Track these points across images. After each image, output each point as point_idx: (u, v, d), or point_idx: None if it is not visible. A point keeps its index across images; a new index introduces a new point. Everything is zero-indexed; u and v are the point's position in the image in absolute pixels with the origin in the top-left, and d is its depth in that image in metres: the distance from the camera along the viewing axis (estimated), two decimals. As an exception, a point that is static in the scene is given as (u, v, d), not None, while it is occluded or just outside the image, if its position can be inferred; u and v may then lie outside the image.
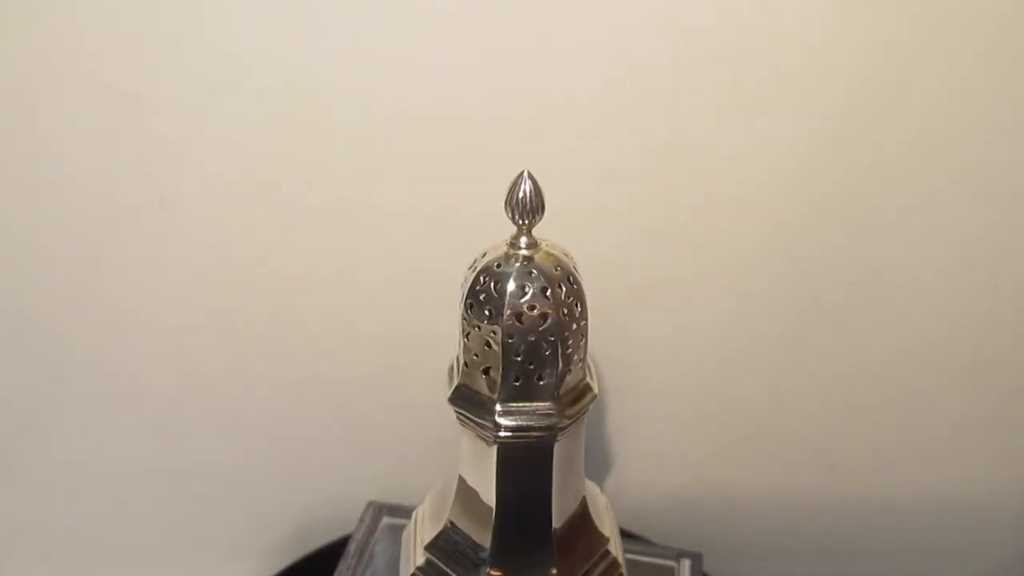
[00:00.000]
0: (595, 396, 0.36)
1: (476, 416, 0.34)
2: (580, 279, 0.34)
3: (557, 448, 0.35)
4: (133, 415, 0.58)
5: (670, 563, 0.50)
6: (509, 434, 0.34)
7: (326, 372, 0.56)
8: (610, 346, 0.52)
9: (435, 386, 0.38)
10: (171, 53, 0.47)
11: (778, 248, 0.52)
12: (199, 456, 0.59)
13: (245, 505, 0.61)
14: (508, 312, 0.32)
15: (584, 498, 0.39)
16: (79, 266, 0.53)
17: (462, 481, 0.38)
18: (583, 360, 0.35)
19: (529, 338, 0.33)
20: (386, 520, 0.52)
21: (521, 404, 0.34)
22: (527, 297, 0.32)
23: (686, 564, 0.49)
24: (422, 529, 0.40)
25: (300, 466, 0.59)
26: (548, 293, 0.33)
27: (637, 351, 0.55)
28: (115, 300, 0.54)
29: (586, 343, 0.35)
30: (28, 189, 0.51)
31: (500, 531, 0.36)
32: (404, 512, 0.51)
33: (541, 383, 0.34)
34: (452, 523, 0.38)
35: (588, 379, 0.36)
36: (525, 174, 0.32)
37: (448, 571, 0.38)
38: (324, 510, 0.60)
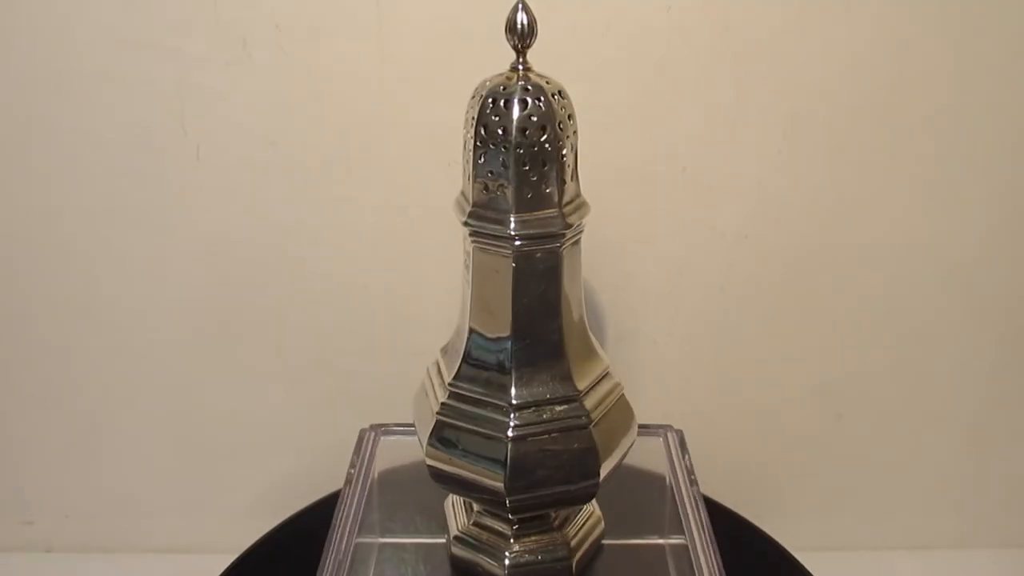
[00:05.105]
0: (589, 209, 0.41)
1: (493, 230, 0.39)
2: (567, 100, 0.39)
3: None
4: (156, 367, 0.61)
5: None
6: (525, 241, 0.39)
7: (349, 320, 0.60)
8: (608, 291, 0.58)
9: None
10: (211, 10, 0.52)
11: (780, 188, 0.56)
12: (220, 406, 0.62)
13: (264, 457, 0.64)
14: (516, 126, 0.37)
15: (585, 323, 0.44)
16: (115, 215, 0.56)
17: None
18: (575, 175, 0.41)
19: (532, 148, 0.38)
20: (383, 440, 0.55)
21: (531, 214, 0.39)
22: (527, 110, 0.37)
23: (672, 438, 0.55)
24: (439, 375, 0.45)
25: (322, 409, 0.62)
26: (539, 106, 0.37)
27: (635, 292, 0.60)
28: (147, 249, 0.57)
29: (576, 160, 0.40)
30: (67, 138, 0.54)
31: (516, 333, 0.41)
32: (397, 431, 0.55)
33: (547, 191, 0.39)
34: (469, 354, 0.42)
35: (582, 197, 0.41)
36: (519, 4, 0.37)
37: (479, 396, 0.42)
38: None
